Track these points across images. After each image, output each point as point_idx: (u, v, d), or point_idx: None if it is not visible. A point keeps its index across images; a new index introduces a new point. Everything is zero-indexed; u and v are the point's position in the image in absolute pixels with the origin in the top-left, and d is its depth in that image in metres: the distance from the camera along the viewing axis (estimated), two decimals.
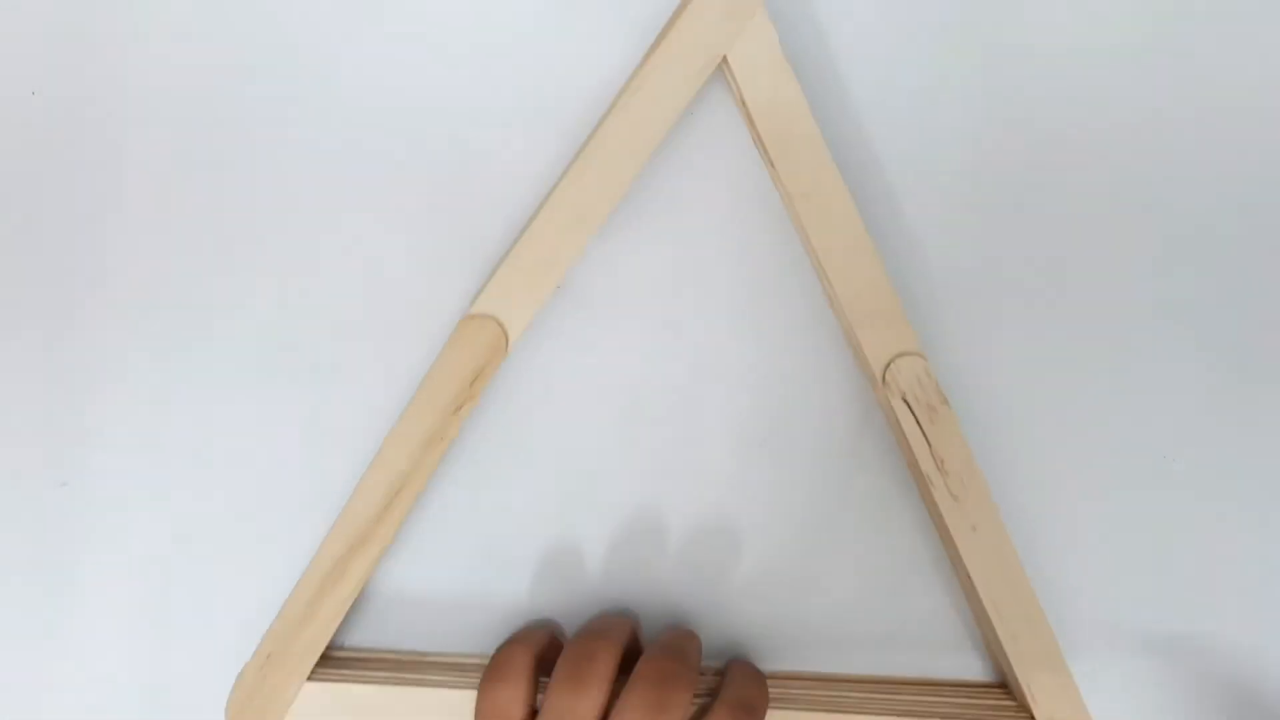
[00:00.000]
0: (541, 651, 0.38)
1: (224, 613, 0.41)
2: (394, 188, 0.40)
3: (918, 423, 0.39)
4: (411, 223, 0.40)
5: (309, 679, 0.39)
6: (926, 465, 0.39)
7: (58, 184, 0.39)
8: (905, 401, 0.39)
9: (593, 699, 0.35)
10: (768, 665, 0.42)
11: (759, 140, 0.38)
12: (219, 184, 0.40)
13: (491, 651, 0.39)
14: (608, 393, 0.41)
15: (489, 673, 0.37)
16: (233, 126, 0.40)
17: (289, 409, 0.41)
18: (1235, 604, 0.42)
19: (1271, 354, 0.41)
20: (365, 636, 0.42)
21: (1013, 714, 0.40)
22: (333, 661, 0.40)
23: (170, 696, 0.42)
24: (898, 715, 0.40)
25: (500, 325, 0.38)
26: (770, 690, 0.40)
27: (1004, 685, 0.42)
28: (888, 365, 0.39)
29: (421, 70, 0.40)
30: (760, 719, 0.37)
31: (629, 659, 0.37)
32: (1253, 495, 0.42)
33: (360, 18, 0.40)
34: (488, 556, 0.42)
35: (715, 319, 0.41)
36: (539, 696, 0.37)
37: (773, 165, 0.38)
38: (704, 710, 0.36)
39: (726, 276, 0.41)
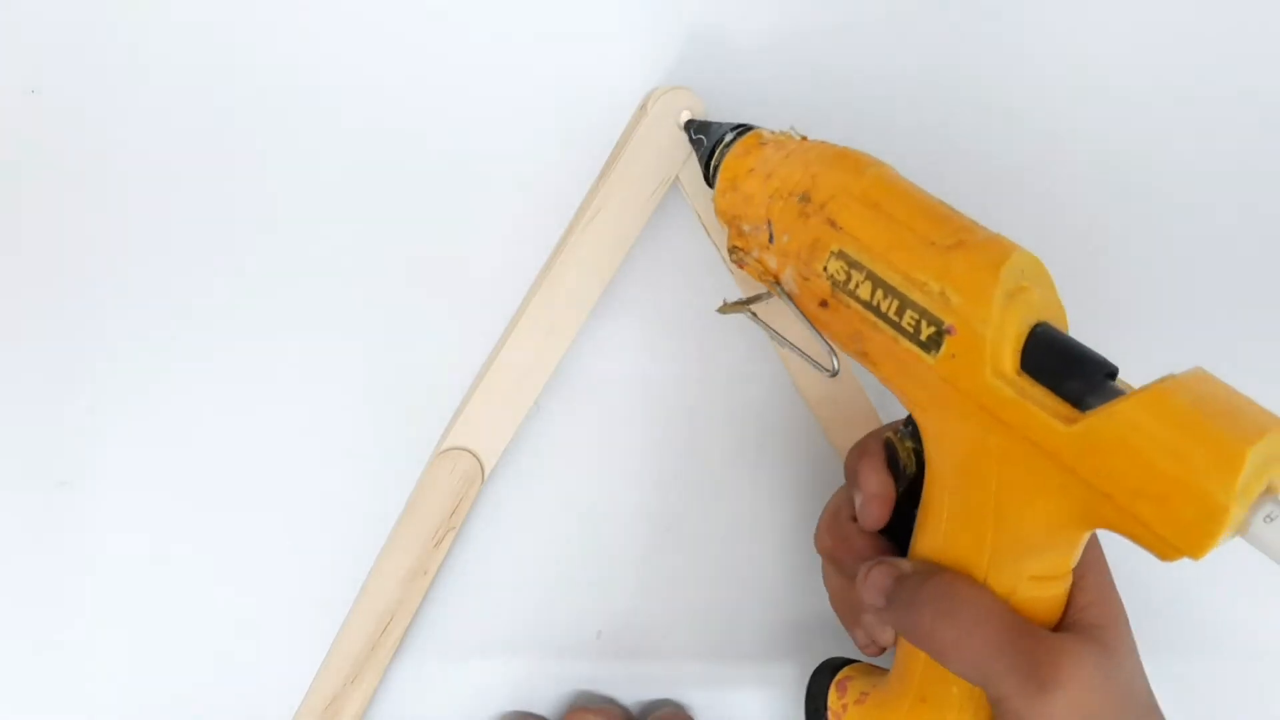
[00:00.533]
0: None
1: (224, 613, 0.41)
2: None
3: None
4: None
5: None
6: None
7: (58, 184, 0.39)
8: None
9: None
10: None
11: (719, 250, 0.39)
12: (219, 184, 0.39)
13: None
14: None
15: None
16: (233, 127, 0.39)
17: (290, 408, 0.40)
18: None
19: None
20: None
21: None
22: None
23: (170, 696, 0.41)
24: None
25: (475, 456, 0.38)
26: None
27: None
28: None
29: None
30: None
31: None
32: None
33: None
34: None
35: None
36: None
37: (734, 276, 0.39)
38: None
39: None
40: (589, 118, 0.40)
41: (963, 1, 0.41)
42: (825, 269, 0.32)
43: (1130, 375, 0.30)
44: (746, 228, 0.35)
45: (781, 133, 0.36)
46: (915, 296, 0.30)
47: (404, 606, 0.39)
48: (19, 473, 0.40)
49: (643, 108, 0.38)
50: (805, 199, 0.32)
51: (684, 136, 0.38)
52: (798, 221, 0.32)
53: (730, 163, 0.35)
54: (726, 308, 0.39)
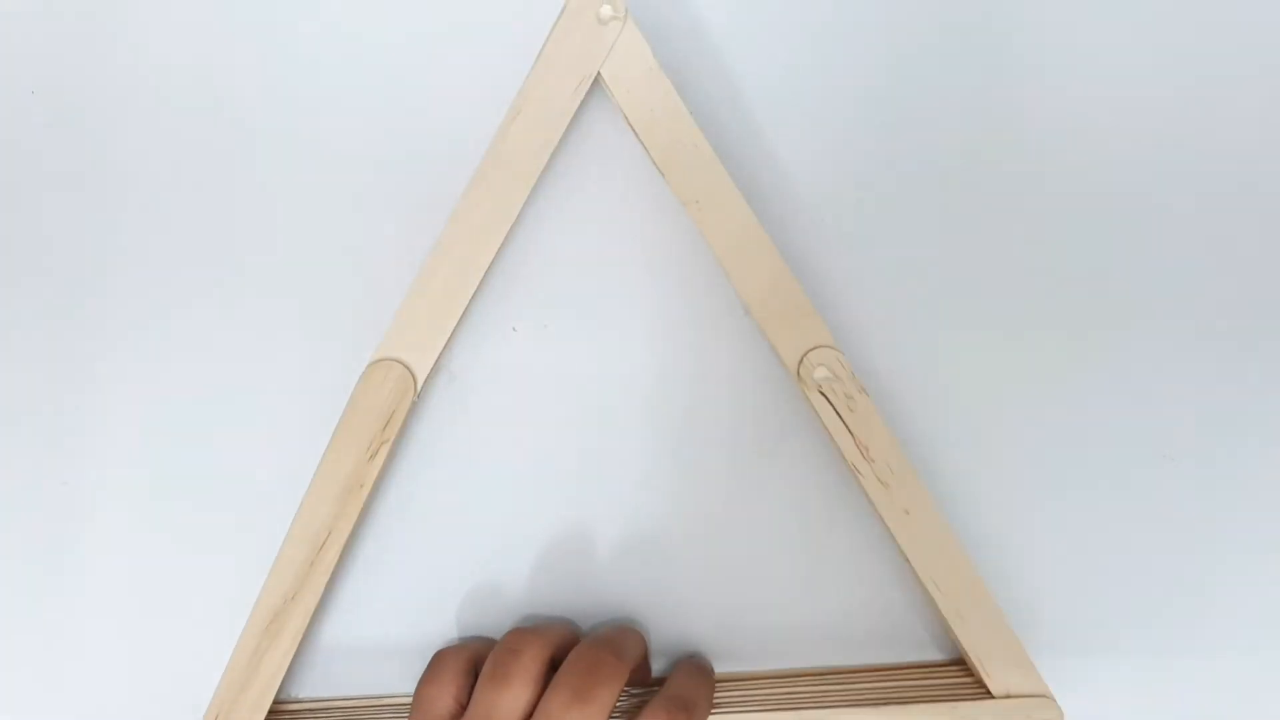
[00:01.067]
0: (476, 654, 0.38)
1: (223, 613, 0.41)
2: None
3: (837, 414, 0.39)
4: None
5: None
6: (851, 455, 0.39)
7: (57, 184, 0.39)
8: (823, 394, 0.39)
9: (515, 693, 0.34)
10: (720, 668, 0.42)
11: (647, 151, 0.38)
12: (219, 184, 0.40)
13: None
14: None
15: (423, 674, 0.37)
16: (233, 127, 0.40)
17: (292, 409, 0.41)
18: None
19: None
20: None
21: (971, 689, 0.40)
22: (282, 716, 0.40)
23: (170, 695, 0.42)
24: (855, 704, 0.40)
25: (406, 368, 0.38)
26: (726, 691, 0.40)
27: (961, 662, 0.42)
28: (801, 360, 0.39)
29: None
30: (701, 715, 0.37)
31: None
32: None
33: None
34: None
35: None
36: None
37: (663, 174, 0.38)
38: (641, 705, 0.36)
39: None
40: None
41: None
42: None
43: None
44: None
45: None
46: None
47: (341, 521, 0.38)
48: (19, 473, 0.40)
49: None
50: None
51: (606, 32, 0.37)
52: None
53: None
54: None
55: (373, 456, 0.38)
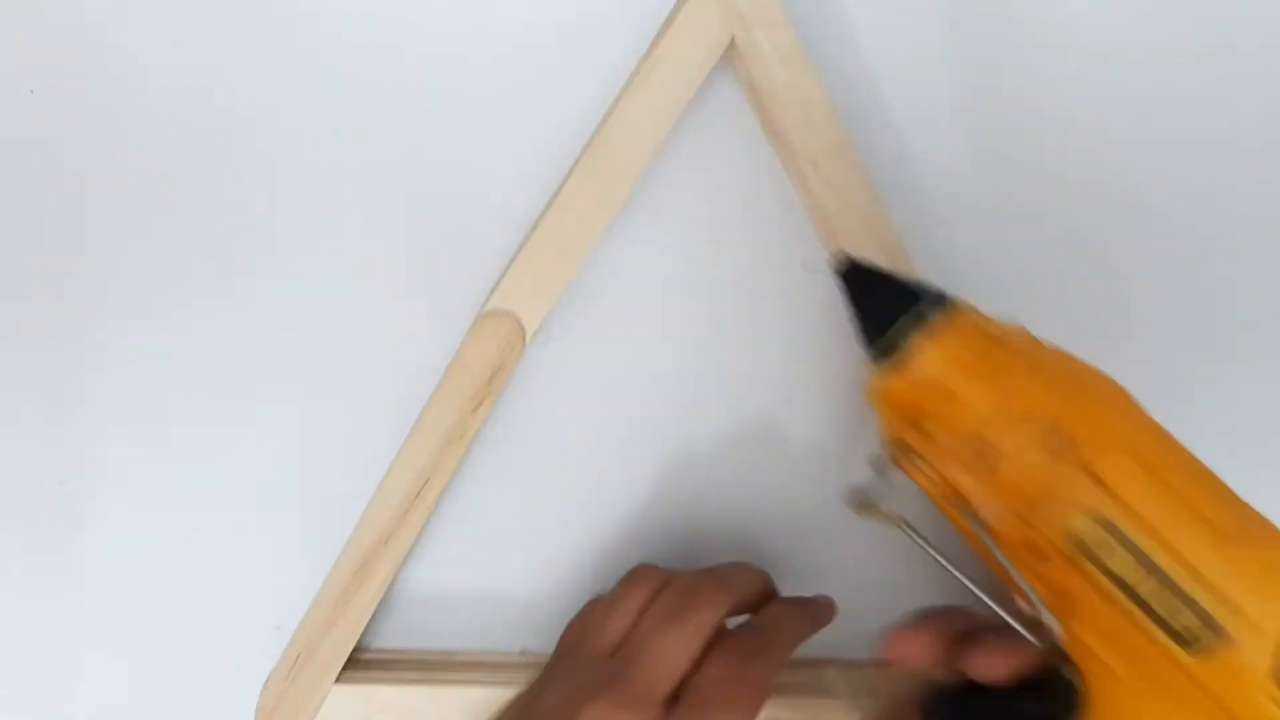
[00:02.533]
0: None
1: (223, 613, 0.41)
2: (397, 188, 0.40)
3: None
4: (418, 222, 0.40)
5: (338, 681, 0.39)
6: None
7: (57, 184, 0.39)
8: None
9: (625, 614, 0.34)
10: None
11: (768, 118, 0.38)
12: (219, 184, 0.40)
13: (516, 650, 0.39)
14: (621, 386, 0.41)
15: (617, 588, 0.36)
16: (233, 126, 0.39)
17: (293, 409, 0.40)
18: None
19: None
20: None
21: None
22: (360, 664, 0.40)
23: (170, 696, 0.42)
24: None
25: (517, 321, 0.38)
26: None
27: None
28: None
29: (422, 70, 0.39)
30: (782, 648, 0.35)
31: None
32: None
33: (359, 20, 0.39)
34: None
35: (724, 313, 0.41)
36: None
37: (780, 137, 0.38)
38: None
39: (737, 268, 0.41)
40: None
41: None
42: (1068, 526, 0.27)
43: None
44: (937, 431, 0.29)
45: (1007, 323, 0.30)
46: (1192, 590, 0.26)
47: (440, 469, 0.38)
48: (19, 473, 0.40)
49: None
50: (1054, 432, 0.27)
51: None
52: (1039, 457, 0.27)
53: (936, 351, 0.29)
54: (861, 508, 0.34)
55: (477, 408, 0.38)
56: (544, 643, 0.40)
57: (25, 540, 0.41)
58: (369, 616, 0.38)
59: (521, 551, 0.41)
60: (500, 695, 0.38)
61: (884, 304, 0.30)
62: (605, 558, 0.42)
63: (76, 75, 0.39)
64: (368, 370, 0.40)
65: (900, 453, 0.31)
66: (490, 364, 0.38)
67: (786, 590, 0.39)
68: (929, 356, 0.29)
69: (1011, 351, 0.29)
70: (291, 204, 0.40)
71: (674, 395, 0.41)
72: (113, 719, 0.42)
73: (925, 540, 0.33)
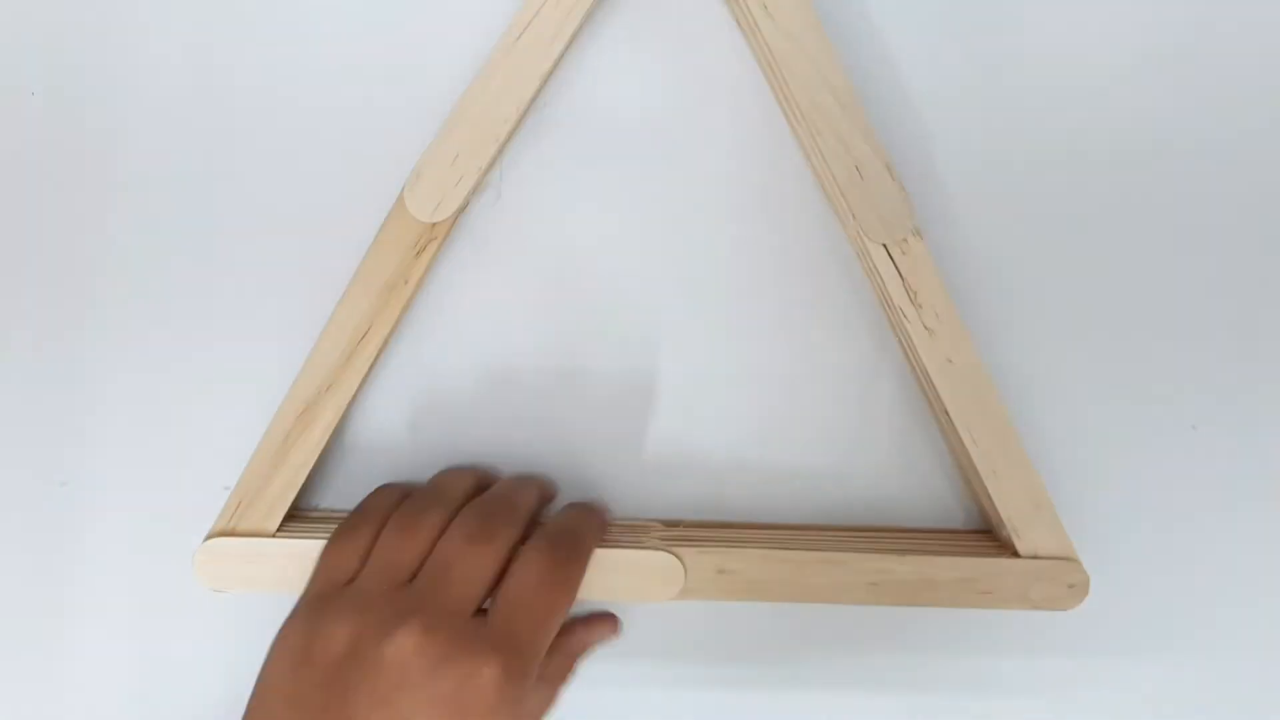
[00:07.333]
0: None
1: (223, 613, 0.41)
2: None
3: (889, 254, 0.38)
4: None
5: (280, 533, 0.38)
6: (899, 298, 0.38)
7: (57, 184, 0.39)
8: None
9: (418, 543, 0.35)
10: (743, 519, 0.42)
11: (765, 47, 0.37)
12: (219, 183, 0.40)
13: None
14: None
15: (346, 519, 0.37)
16: (232, 126, 0.39)
17: None
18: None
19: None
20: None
21: (994, 553, 0.40)
22: (305, 520, 0.40)
23: (170, 695, 0.42)
24: (879, 551, 0.39)
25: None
26: (745, 535, 0.40)
27: (988, 531, 0.42)
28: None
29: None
30: (586, 546, 0.37)
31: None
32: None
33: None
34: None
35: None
36: None
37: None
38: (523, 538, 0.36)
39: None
40: None
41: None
42: None
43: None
44: None
45: None
46: None
47: (382, 315, 0.38)
48: (19, 473, 0.40)
49: None
50: None
51: None
52: None
53: None
54: None
55: (419, 253, 0.38)
56: None
57: (25, 540, 0.41)
58: (310, 465, 0.38)
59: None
60: None
61: None
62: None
63: (77, 75, 0.39)
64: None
65: None
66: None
67: None
68: None
69: None
70: (294, 204, 0.40)
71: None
72: (110, 718, 0.42)
73: None
